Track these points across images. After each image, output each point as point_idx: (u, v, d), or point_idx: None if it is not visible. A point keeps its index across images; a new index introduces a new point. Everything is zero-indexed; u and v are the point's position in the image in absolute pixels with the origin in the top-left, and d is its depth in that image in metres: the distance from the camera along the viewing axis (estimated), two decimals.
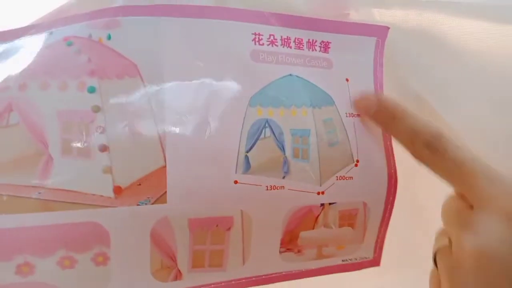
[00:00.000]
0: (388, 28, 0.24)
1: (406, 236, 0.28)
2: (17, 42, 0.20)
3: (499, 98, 0.23)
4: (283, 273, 0.24)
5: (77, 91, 0.19)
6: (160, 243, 0.20)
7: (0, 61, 0.20)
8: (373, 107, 0.23)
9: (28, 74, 0.19)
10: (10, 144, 0.18)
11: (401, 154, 0.24)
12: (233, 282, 0.23)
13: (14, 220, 0.18)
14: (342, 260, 0.25)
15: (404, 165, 0.24)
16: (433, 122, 0.20)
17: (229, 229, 0.21)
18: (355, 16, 0.24)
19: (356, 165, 0.23)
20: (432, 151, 0.19)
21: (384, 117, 0.22)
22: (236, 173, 0.21)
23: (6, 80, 0.19)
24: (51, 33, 0.20)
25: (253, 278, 0.23)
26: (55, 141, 0.19)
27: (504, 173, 0.18)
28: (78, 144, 0.19)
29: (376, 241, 0.26)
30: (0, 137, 0.18)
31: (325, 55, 0.24)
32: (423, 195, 0.27)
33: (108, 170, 0.19)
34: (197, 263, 0.22)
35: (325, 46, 0.24)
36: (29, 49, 0.20)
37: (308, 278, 0.25)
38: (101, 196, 0.19)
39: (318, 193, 0.23)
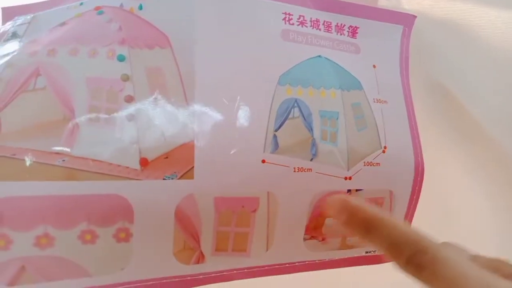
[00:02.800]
0: (415, 16, 0.24)
1: (430, 229, 0.27)
2: (47, 13, 0.20)
3: None
4: (307, 262, 0.23)
5: (107, 59, 0.18)
6: (185, 222, 0.19)
7: (28, 30, 0.19)
8: (343, 215, 0.17)
9: (58, 40, 0.18)
10: (35, 108, 0.17)
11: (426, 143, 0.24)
12: (255, 269, 0.22)
13: (36, 188, 0.17)
14: (366, 252, 0.25)
15: (428, 152, 0.24)
16: (414, 232, 0.16)
17: (255, 211, 0.21)
18: (384, 3, 0.24)
19: (383, 151, 0.23)
20: (417, 268, 0.15)
21: (357, 227, 0.17)
22: (264, 152, 0.20)
23: (35, 46, 0.18)
24: (82, 3, 0.20)
25: (276, 266, 0.22)
26: (82, 108, 0.18)
27: None
28: (106, 112, 0.18)
29: None
30: (25, 100, 0.17)
31: (353, 40, 0.24)
32: (449, 186, 0.27)
33: (135, 141, 0.18)
34: (221, 246, 0.21)
35: (353, 31, 0.24)
36: (60, 18, 0.19)
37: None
38: (127, 167, 0.18)
39: (346, 178, 0.22)
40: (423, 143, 0.24)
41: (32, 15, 0.20)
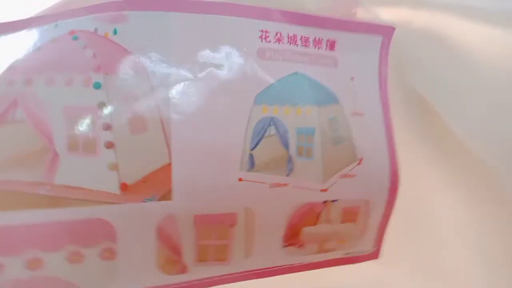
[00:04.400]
0: (394, 28, 0.24)
1: (405, 230, 0.28)
2: (22, 34, 0.20)
3: (507, 104, 0.23)
4: (286, 266, 0.25)
5: (83, 87, 0.19)
6: (166, 239, 0.21)
7: (4, 53, 0.20)
8: None
9: (34, 69, 0.19)
10: (16, 140, 0.18)
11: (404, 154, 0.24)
12: (236, 274, 0.23)
13: (22, 216, 0.18)
14: (343, 254, 0.26)
15: (406, 161, 0.25)
16: None
17: (233, 225, 0.22)
18: (363, 15, 0.24)
19: (359, 163, 0.24)
20: None
21: None
22: (240, 170, 0.21)
23: (12, 74, 0.19)
24: (56, 25, 0.20)
25: (257, 271, 0.24)
26: (61, 137, 0.19)
27: None
28: (84, 141, 0.19)
29: (377, 235, 0.26)
30: (6, 133, 0.18)
31: (331, 53, 0.24)
32: (425, 196, 0.28)
33: (114, 166, 0.19)
34: (202, 257, 0.22)
35: (331, 45, 0.24)
36: (34, 42, 0.20)
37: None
38: (107, 192, 0.19)
39: (321, 190, 0.23)
40: (401, 154, 0.25)
41: (6, 36, 0.21)
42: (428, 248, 0.28)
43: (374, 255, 0.27)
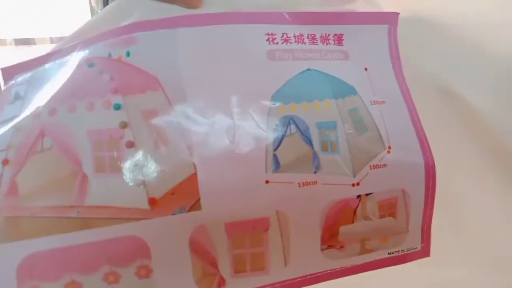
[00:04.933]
0: (398, 13, 0.24)
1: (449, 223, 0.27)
2: (42, 70, 0.22)
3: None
4: (328, 271, 0.23)
5: (104, 110, 0.20)
6: (200, 251, 0.20)
7: (29, 89, 0.21)
8: None
9: (56, 99, 0.20)
10: (46, 167, 0.19)
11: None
12: (277, 285, 0.22)
13: (56, 241, 0.18)
14: (388, 253, 0.24)
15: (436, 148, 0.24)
16: None
17: (266, 230, 0.21)
18: (363, 5, 0.24)
19: (388, 152, 0.23)
20: None
21: None
22: (266, 172, 0.21)
23: (37, 107, 0.20)
24: (71, 56, 0.21)
25: (298, 279, 0.23)
26: (88, 160, 0.19)
27: None
28: (110, 161, 0.19)
29: (422, 230, 0.25)
30: (36, 162, 0.19)
31: (340, 47, 0.24)
32: (457, 183, 0.26)
33: (141, 183, 0.19)
34: (239, 268, 0.21)
35: (339, 39, 0.24)
36: (54, 75, 0.21)
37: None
38: (137, 208, 0.19)
39: (353, 185, 0.22)
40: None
41: (30, 73, 0.22)
42: (477, 239, 0.26)
43: (424, 252, 0.25)
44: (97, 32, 0.21)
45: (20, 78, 0.22)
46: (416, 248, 0.25)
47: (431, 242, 0.25)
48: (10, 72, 0.22)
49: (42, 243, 0.18)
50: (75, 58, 0.21)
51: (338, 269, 0.24)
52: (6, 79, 0.22)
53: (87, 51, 0.21)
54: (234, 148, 0.20)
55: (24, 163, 0.19)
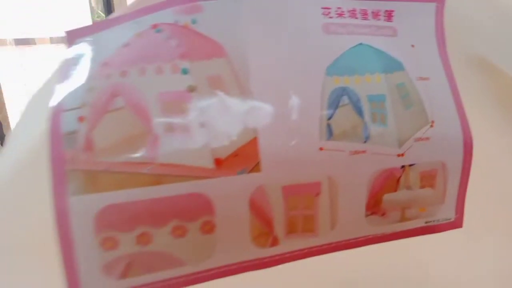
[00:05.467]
0: None
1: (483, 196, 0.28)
2: (106, 33, 0.22)
3: None
4: (370, 236, 0.25)
5: (172, 74, 0.21)
6: (258, 210, 0.22)
7: (95, 52, 0.22)
8: None
9: (127, 62, 0.21)
10: (120, 125, 0.20)
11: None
12: (324, 246, 0.24)
13: (130, 195, 0.19)
14: (425, 222, 0.26)
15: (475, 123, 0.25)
16: None
17: (318, 194, 0.22)
18: None
19: (431, 126, 0.24)
20: None
21: None
22: (320, 140, 0.22)
23: (107, 69, 0.21)
24: (136, 22, 0.22)
25: (342, 242, 0.24)
26: (158, 120, 0.20)
27: None
28: (179, 122, 0.20)
29: (457, 202, 0.26)
30: (111, 120, 0.20)
31: (389, 23, 0.25)
32: (498, 153, 0.27)
33: (207, 144, 0.20)
34: (291, 228, 0.23)
35: (389, 15, 0.25)
36: (120, 39, 0.22)
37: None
38: (204, 168, 0.20)
39: (398, 155, 0.23)
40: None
41: (93, 37, 0.23)
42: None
43: (457, 223, 0.27)
44: (158, 1, 0.22)
45: (83, 42, 0.22)
46: (450, 219, 0.27)
47: (464, 214, 0.27)
48: (74, 35, 0.23)
49: (117, 196, 0.19)
50: (140, 24, 0.22)
51: (378, 235, 0.25)
52: (70, 42, 0.22)
53: (152, 17, 0.22)
54: (291, 115, 0.22)
55: (98, 120, 0.20)
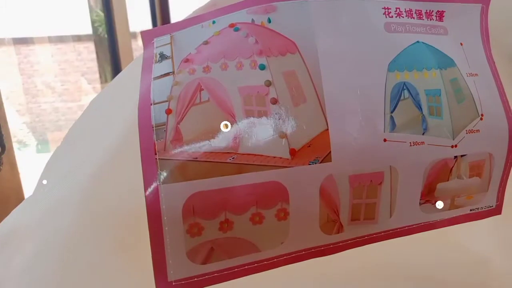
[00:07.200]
0: None
1: None
2: (184, 33, 0.23)
3: None
4: (422, 224, 0.26)
5: (251, 69, 0.22)
6: (327, 198, 0.23)
7: (175, 50, 0.23)
8: None
9: (209, 58, 0.22)
10: (205, 117, 0.21)
11: None
12: (382, 233, 0.25)
13: (215, 183, 0.21)
14: (470, 210, 0.28)
15: None
16: None
17: (380, 183, 0.24)
18: None
19: (481, 119, 0.26)
20: None
21: None
22: (384, 132, 0.23)
23: (190, 64, 0.22)
24: (214, 22, 0.23)
25: (398, 230, 0.26)
26: (240, 113, 0.21)
27: None
28: (258, 115, 0.21)
29: (499, 190, 0.28)
30: (197, 112, 0.21)
31: (440, 23, 0.26)
32: None
33: (284, 135, 0.22)
34: (355, 216, 0.24)
35: (440, 15, 0.26)
36: (200, 37, 0.23)
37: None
38: (280, 158, 0.21)
39: (452, 147, 0.25)
40: None
41: (169, 36, 0.24)
42: None
43: (497, 210, 0.28)
44: (229, 2, 0.23)
45: (160, 41, 0.24)
46: (492, 206, 0.28)
47: (503, 201, 0.28)
48: (150, 35, 0.24)
49: (203, 185, 0.20)
50: (217, 24, 0.23)
51: (430, 222, 0.27)
52: (146, 42, 0.23)
53: (228, 17, 0.23)
54: (359, 109, 0.23)
55: (186, 112, 0.21)
